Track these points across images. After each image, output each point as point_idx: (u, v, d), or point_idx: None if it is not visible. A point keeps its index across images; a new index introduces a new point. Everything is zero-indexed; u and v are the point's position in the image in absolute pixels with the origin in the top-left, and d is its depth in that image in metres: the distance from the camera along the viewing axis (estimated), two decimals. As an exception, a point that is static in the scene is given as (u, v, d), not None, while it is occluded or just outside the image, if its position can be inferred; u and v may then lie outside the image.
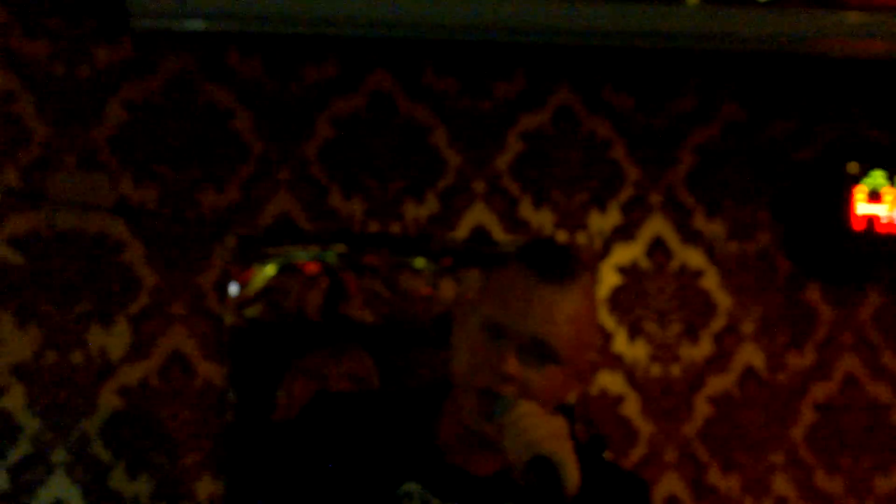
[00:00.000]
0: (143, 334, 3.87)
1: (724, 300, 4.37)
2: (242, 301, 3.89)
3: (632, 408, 4.23)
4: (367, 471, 2.13)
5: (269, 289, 3.91)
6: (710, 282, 4.37)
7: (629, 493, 2.26)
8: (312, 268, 3.94)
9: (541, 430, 1.98)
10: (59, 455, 3.78)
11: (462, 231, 4.13)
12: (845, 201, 4.31)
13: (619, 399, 4.22)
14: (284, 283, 3.92)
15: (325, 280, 3.95)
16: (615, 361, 4.25)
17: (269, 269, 3.89)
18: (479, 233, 4.14)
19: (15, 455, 3.78)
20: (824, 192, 4.38)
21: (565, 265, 2.13)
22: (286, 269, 3.92)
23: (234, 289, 3.87)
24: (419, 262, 4.02)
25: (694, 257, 4.36)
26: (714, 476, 4.30)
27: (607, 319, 4.24)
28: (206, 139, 3.98)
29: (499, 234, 4.12)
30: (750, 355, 4.38)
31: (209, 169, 3.98)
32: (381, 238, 4.05)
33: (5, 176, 3.87)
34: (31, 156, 3.90)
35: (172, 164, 3.95)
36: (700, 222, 4.38)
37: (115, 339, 3.85)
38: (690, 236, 4.38)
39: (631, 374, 4.25)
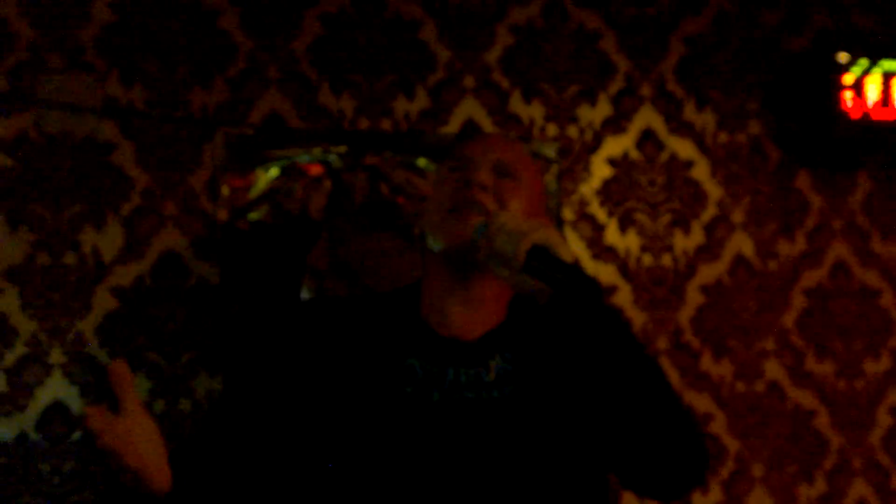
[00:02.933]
0: (136, 235, 3.64)
1: (714, 190, 4.18)
2: (242, 203, 3.63)
3: (624, 297, 4.05)
4: (367, 357, 2.14)
5: (272, 191, 3.65)
6: (701, 172, 4.18)
7: None
8: (315, 169, 3.68)
9: (525, 225, 2.01)
10: (55, 356, 3.54)
11: (453, 126, 3.91)
12: (835, 89, 4.11)
13: (611, 289, 4.04)
14: (287, 185, 3.66)
15: (328, 181, 3.69)
16: (607, 253, 4.05)
17: (273, 172, 3.63)
18: (470, 127, 3.89)
19: (12, 357, 3.59)
20: (814, 80, 4.18)
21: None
22: (288, 171, 3.65)
23: (229, 190, 3.61)
24: (421, 162, 3.76)
25: (684, 148, 4.16)
26: (707, 363, 4.15)
27: (599, 211, 4.03)
28: (193, 38, 3.76)
29: (489, 128, 3.90)
30: (741, 244, 4.21)
31: (197, 68, 3.75)
32: (375, 136, 3.79)
33: (-7, 79, 3.66)
34: (18, 58, 3.65)
35: (160, 63, 3.72)
36: (690, 113, 4.19)
37: (107, 240, 3.64)
38: (681, 127, 4.20)
39: (623, 265, 4.07)
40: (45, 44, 3.63)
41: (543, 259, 1.96)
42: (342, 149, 3.73)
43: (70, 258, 3.60)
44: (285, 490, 2.15)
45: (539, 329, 2.19)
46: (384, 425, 2.06)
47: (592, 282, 1.96)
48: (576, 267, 1.97)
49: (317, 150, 3.71)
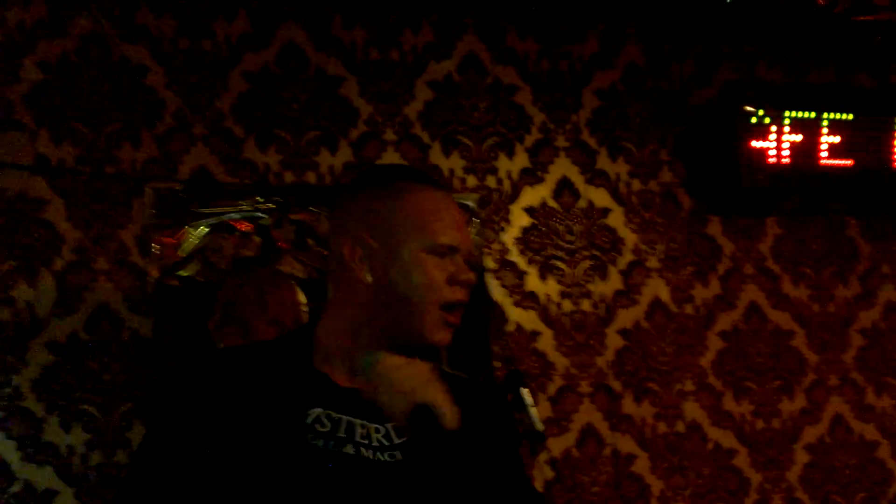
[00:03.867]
0: (69, 289, 3.63)
1: (630, 237, 4.28)
2: (171, 260, 3.66)
3: (546, 343, 4.13)
4: (268, 409, 2.04)
5: (201, 248, 3.69)
6: (617, 220, 4.28)
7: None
8: (244, 225, 3.73)
9: (412, 380, 1.96)
10: (-9, 411, 3.55)
11: (377, 178, 3.92)
12: (740, 139, 4.24)
13: (534, 334, 4.08)
14: (216, 242, 3.70)
15: (258, 237, 3.74)
16: (529, 299, 4.12)
17: (202, 229, 3.67)
18: (394, 180, 3.93)
19: (-53, 412, 3.56)
20: (721, 130, 4.30)
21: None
22: (217, 228, 3.70)
23: (160, 247, 3.64)
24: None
25: (600, 196, 4.26)
26: (628, 405, 4.20)
27: (519, 259, 4.11)
28: (121, 96, 3.77)
29: (410, 180, 3.91)
30: (657, 288, 4.31)
31: (126, 125, 3.77)
32: (301, 190, 3.85)
33: (-77, 139, 3.64)
34: (-52, 117, 3.64)
35: (89, 120, 3.73)
36: (604, 162, 4.26)
37: (41, 295, 3.61)
38: (596, 176, 4.26)
39: (544, 311, 4.11)
40: (-25, 103, 3.66)
41: (423, 419, 1.91)
42: (270, 205, 3.78)
43: (4, 314, 3.60)
44: None
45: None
46: (296, 479, 2.01)
47: (468, 457, 1.93)
48: (454, 437, 1.92)
49: (245, 207, 3.76)
